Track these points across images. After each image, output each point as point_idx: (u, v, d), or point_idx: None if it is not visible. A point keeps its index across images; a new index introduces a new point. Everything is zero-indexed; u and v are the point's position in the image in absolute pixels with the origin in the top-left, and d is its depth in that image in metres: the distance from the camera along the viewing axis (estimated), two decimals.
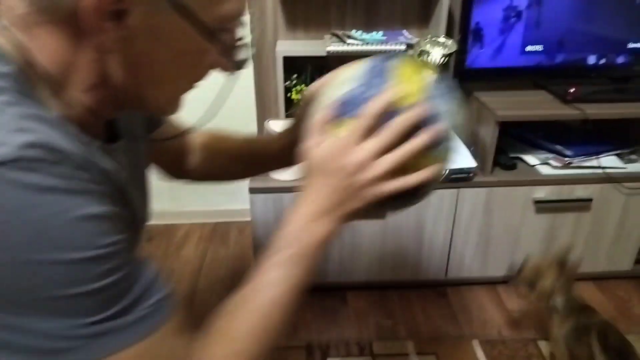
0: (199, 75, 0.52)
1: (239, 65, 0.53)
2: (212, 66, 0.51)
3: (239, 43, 0.51)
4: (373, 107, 0.51)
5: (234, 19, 0.49)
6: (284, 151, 0.74)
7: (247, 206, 1.52)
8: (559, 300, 1.23)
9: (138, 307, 0.45)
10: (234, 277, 1.75)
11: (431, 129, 0.52)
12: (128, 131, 0.60)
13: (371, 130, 0.51)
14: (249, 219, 1.52)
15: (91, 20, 0.41)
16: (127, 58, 0.45)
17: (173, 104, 0.53)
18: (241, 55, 0.52)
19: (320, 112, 0.55)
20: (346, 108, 0.53)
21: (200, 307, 1.61)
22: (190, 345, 0.50)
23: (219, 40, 0.47)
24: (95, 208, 0.42)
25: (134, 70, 0.46)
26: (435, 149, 0.53)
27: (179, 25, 0.44)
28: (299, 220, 0.54)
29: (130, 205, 0.53)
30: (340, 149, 0.52)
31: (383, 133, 0.51)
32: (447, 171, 0.57)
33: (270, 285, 0.53)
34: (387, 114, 0.51)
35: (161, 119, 0.78)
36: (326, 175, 0.53)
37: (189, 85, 0.52)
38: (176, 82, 0.50)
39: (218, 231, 2.01)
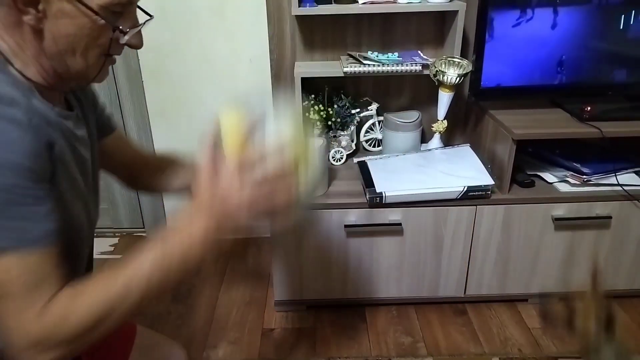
0: (102, 49, 0.66)
1: (133, 45, 0.68)
2: (109, 41, 0.65)
3: (131, 26, 0.66)
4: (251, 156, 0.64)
5: (121, 5, 0.63)
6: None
7: (265, 223, 1.54)
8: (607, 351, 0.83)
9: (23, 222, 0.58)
10: (253, 293, 1.77)
11: (285, 186, 0.64)
12: (83, 121, 0.76)
13: (247, 170, 0.63)
14: (267, 235, 1.55)
15: (20, 7, 0.59)
16: (50, 34, 0.62)
17: (91, 71, 0.67)
18: (133, 37, 0.67)
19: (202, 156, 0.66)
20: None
21: (220, 323, 1.63)
22: (56, 285, 0.61)
23: (108, 21, 0.62)
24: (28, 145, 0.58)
25: (55, 43, 0.62)
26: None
27: (74, 9, 0.60)
28: (183, 236, 0.65)
29: (65, 179, 0.67)
30: (222, 186, 0.63)
31: (256, 181, 0.63)
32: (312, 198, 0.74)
33: (131, 270, 0.63)
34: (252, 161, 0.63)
35: (110, 127, 0.92)
36: (211, 201, 0.65)
37: (97, 56, 0.66)
38: (85, 53, 0.65)
39: (237, 247, 2.04)
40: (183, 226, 0.66)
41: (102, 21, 0.62)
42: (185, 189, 0.97)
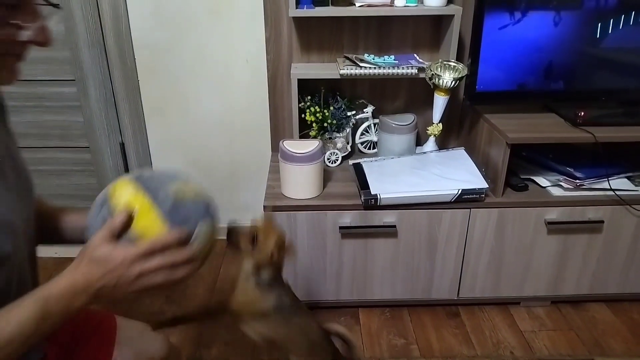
0: None
1: (38, 42, 0.62)
2: (5, 38, 0.60)
3: (31, 21, 0.60)
4: (162, 242, 0.67)
5: None
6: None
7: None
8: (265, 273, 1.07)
9: None
10: None
11: (190, 267, 0.70)
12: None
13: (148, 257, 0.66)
14: None
15: None
16: None
17: None
18: (36, 33, 0.61)
19: (119, 217, 0.67)
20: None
21: (214, 323, 1.63)
22: None
23: None
24: None
25: None
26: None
27: None
28: (62, 289, 0.64)
29: None
30: (129, 260, 0.65)
31: (159, 257, 0.67)
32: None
33: (7, 323, 0.61)
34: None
35: None
36: (105, 269, 0.65)
37: None
38: None
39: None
40: (64, 281, 0.65)
41: None
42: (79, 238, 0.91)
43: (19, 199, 0.74)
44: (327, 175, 1.61)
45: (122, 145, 1.93)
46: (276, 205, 1.49)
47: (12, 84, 0.64)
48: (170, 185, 0.71)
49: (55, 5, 0.63)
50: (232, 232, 1.06)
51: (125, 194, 0.70)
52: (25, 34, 0.60)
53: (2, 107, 0.77)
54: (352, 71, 1.56)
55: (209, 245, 0.74)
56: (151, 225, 0.67)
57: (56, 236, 0.90)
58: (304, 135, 1.72)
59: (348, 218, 1.49)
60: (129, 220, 0.67)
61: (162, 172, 0.75)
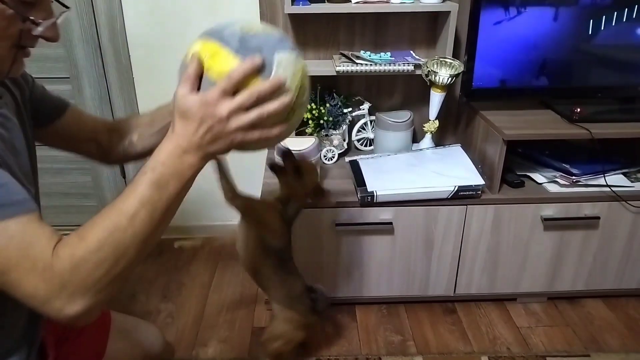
0: (12, 39, 0.63)
1: (48, 37, 0.65)
2: (19, 32, 0.63)
3: (45, 17, 0.63)
4: (238, 72, 0.63)
5: None
6: None
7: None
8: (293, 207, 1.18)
9: None
10: (243, 291, 1.77)
11: (282, 100, 0.66)
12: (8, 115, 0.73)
13: (234, 91, 0.63)
14: None
15: None
16: None
17: (3, 63, 0.65)
18: (48, 29, 0.64)
19: (190, 65, 0.66)
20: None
21: (210, 321, 1.62)
22: (53, 238, 0.59)
23: (17, 11, 0.60)
24: None
25: None
26: (284, 113, 0.67)
27: None
28: (168, 152, 0.64)
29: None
30: (209, 102, 0.63)
31: (247, 93, 0.63)
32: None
33: (126, 200, 0.61)
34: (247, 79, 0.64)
35: (60, 107, 0.89)
36: (195, 120, 0.63)
37: (7, 48, 0.63)
38: None
39: (227, 246, 2.04)
40: (167, 145, 0.64)
41: (11, 11, 0.60)
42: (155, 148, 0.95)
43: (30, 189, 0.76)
44: (323, 173, 1.60)
45: None
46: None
47: (18, 75, 0.69)
48: (236, 25, 0.69)
49: (65, 6, 0.68)
50: (285, 154, 1.13)
51: (193, 48, 0.69)
52: (39, 30, 0.64)
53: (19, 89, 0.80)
54: (349, 68, 1.55)
55: (300, 81, 0.69)
56: (223, 63, 0.65)
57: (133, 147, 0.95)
58: (300, 132, 1.72)
59: (345, 215, 1.49)
60: (200, 67, 0.65)
61: (228, 22, 0.71)
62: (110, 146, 0.96)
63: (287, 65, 0.67)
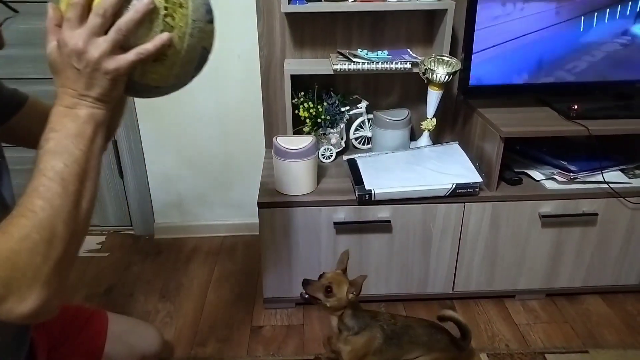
0: None
1: None
2: None
3: None
4: None
5: None
6: None
7: (254, 220, 1.54)
8: (349, 314, 1.25)
9: None
10: (242, 290, 1.76)
11: (138, 5, 0.55)
12: None
13: (81, 17, 0.55)
14: (256, 233, 1.54)
15: None
16: None
17: None
18: None
19: (48, 16, 0.58)
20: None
21: (209, 320, 1.62)
22: None
23: None
24: None
25: None
26: (153, 20, 0.57)
27: None
28: (56, 114, 0.57)
29: None
30: (64, 40, 0.55)
31: (92, 15, 0.55)
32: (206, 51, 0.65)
33: (34, 181, 0.56)
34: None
35: (17, 101, 0.82)
36: (62, 67, 0.57)
37: None
38: None
39: (226, 245, 2.04)
40: (53, 110, 0.58)
41: None
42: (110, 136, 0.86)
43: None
44: (321, 171, 1.60)
45: (115, 142, 1.92)
46: (270, 201, 1.48)
47: None
48: None
49: (14, 10, 0.62)
50: (306, 285, 1.20)
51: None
52: None
53: None
54: (346, 66, 1.55)
55: None
56: None
57: None
58: (297, 131, 1.72)
59: (342, 213, 1.49)
60: (56, 13, 0.57)
61: None
62: None
63: None
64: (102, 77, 0.56)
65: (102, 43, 0.55)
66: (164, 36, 0.57)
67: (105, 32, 0.55)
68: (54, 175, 0.55)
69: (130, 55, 0.56)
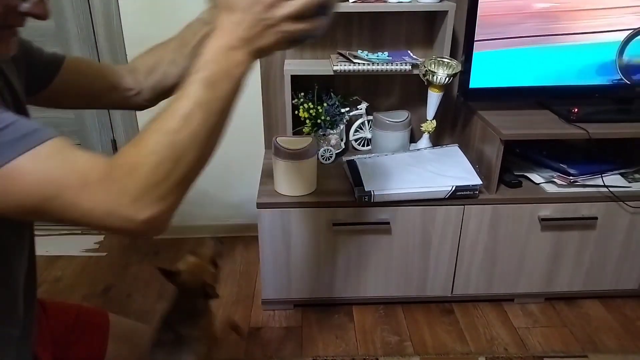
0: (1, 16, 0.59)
1: (36, 14, 0.61)
2: (4, 9, 0.59)
3: None
4: None
5: None
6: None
7: (253, 221, 1.54)
8: None
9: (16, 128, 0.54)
10: (240, 292, 1.76)
11: None
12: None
13: None
14: (255, 233, 1.54)
15: None
16: None
17: None
18: (35, 6, 0.60)
19: None
20: None
21: None
22: (95, 153, 0.57)
23: None
24: None
25: None
26: (327, 5, 0.64)
27: None
28: (215, 49, 0.60)
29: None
30: None
31: None
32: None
33: (178, 102, 0.58)
34: None
35: (56, 60, 0.83)
36: (240, 12, 0.60)
37: None
38: None
39: (224, 246, 2.03)
40: (213, 42, 0.60)
41: None
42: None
43: None
44: (320, 172, 1.60)
45: (114, 142, 1.91)
46: (269, 202, 1.48)
47: (7, 57, 0.65)
48: None
49: None
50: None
51: None
52: (25, 6, 0.60)
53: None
54: (346, 67, 1.55)
55: None
56: None
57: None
58: (297, 131, 1.71)
59: (342, 215, 1.49)
60: None
61: None
62: (139, 87, 0.90)
63: None
64: (273, 34, 0.60)
65: (290, 6, 0.59)
66: (322, 21, 0.63)
67: None
68: (199, 103, 0.58)
69: (301, 25, 0.61)
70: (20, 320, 0.75)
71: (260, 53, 0.62)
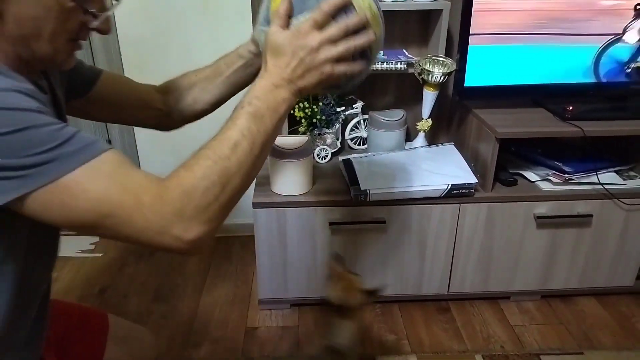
0: (70, 32, 0.62)
1: (101, 29, 0.64)
2: (78, 25, 0.62)
3: (99, 10, 0.63)
4: (329, 4, 0.65)
5: None
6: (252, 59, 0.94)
7: (249, 220, 1.53)
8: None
9: (73, 143, 0.56)
10: (237, 291, 1.76)
11: (368, 34, 0.68)
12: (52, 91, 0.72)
13: (324, 23, 0.66)
14: (251, 233, 1.54)
15: None
16: (12, 16, 0.57)
17: (59, 57, 0.64)
18: (102, 22, 0.64)
19: (282, 4, 0.68)
20: (303, 5, 0.68)
21: (203, 322, 1.61)
22: (148, 173, 0.60)
23: (77, 2, 0.59)
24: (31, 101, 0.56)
25: (19, 26, 0.58)
26: (369, 49, 0.70)
27: None
28: (263, 87, 0.67)
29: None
30: (300, 33, 0.66)
31: (336, 26, 0.66)
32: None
33: (227, 132, 0.63)
34: (337, 13, 0.67)
35: (93, 73, 0.87)
36: (287, 54, 0.66)
37: (65, 40, 0.62)
38: (52, 38, 0.60)
39: (221, 246, 2.03)
40: (260, 82, 0.67)
41: (71, 3, 0.59)
42: (222, 99, 1.01)
43: None
44: (316, 172, 1.60)
45: (109, 142, 1.91)
46: (265, 202, 1.48)
47: (69, 68, 0.68)
48: None
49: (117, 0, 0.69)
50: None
51: None
52: (94, 23, 0.63)
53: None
54: None
55: (376, 17, 0.70)
56: None
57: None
58: (293, 131, 1.71)
59: (338, 214, 1.49)
60: (290, 5, 0.67)
61: None
62: (168, 109, 0.95)
63: (363, 1, 0.69)
64: (316, 75, 0.67)
65: (332, 51, 0.66)
66: (363, 64, 0.71)
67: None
68: (248, 135, 0.63)
69: (342, 68, 0.67)
70: (31, 320, 0.75)
71: (303, 92, 0.68)
